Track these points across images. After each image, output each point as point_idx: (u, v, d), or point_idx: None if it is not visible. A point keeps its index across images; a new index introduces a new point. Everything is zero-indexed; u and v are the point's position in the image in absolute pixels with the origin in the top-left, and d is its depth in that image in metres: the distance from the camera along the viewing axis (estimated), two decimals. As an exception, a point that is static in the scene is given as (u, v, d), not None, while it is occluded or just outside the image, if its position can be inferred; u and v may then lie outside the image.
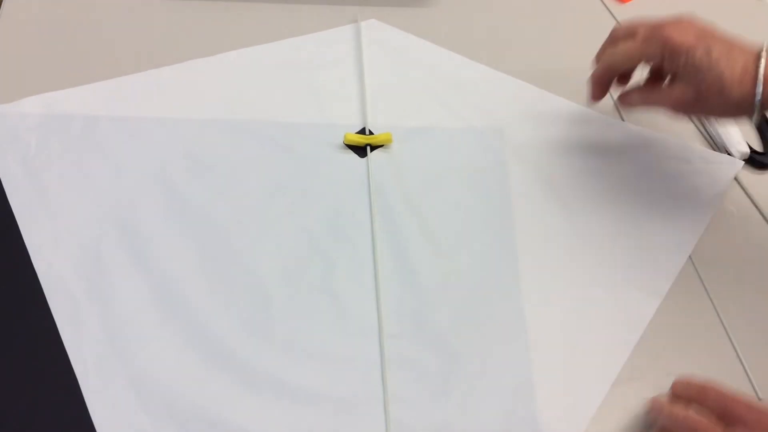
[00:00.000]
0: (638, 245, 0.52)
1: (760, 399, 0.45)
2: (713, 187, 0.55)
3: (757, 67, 0.44)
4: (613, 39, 0.51)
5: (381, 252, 0.50)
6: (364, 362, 0.45)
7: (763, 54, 0.44)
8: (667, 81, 0.50)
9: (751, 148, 0.57)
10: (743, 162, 0.56)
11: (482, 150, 0.56)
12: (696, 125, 0.60)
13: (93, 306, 0.47)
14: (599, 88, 0.51)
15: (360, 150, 0.56)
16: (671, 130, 0.58)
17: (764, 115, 0.46)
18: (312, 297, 0.48)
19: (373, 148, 0.56)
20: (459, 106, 0.59)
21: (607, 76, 0.51)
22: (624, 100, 0.51)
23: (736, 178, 0.56)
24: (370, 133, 0.57)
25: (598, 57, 0.52)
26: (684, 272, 0.51)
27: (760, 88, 0.44)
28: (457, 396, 0.44)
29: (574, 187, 0.55)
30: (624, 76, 0.52)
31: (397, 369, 0.45)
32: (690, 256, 0.51)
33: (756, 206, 0.55)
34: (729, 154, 0.57)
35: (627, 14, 0.68)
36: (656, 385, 0.45)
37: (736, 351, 0.47)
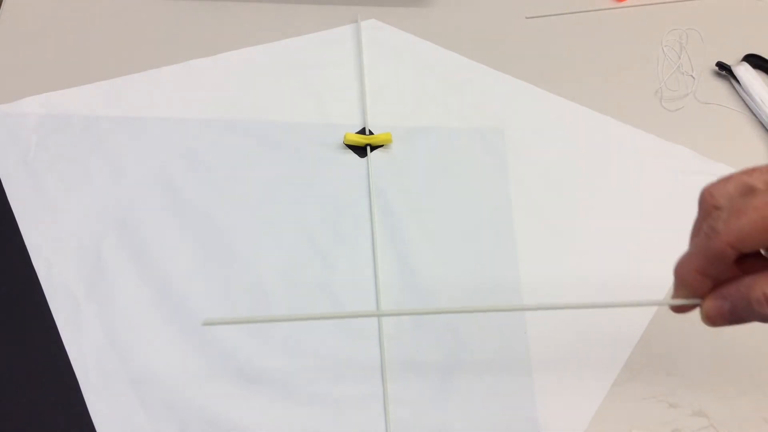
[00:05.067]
0: (638, 245, 0.52)
1: None
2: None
3: None
4: (714, 206, 0.31)
5: (381, 252, 0.50)
6: (364, 362, 0.45)
7: None
8: None
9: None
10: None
11: (482, 150, 0.56)
12: (757, 115, 0.60)
13: (93, 306, 0.47)
14: (701, 281, 0.30)
15: (360, 150, 0.56)
16: (671, 134, 0.59)
17: None
18: (312, 297, 0.48)
19: (373, 148, 0.56)
20: (459, 106, 0.59)
21: (725, 261, 0.29)
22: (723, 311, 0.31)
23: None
24: (370, 133, 0.57)
25: (701, 235, 0.30)
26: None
27: None
28: (457, 396, 0.44)
29: (575, 188, 0.55)
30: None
31: (397, 369, 0.45)
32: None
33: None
34: None
35: (624, 14, 0.68)
36: (656, 385, 0.45)
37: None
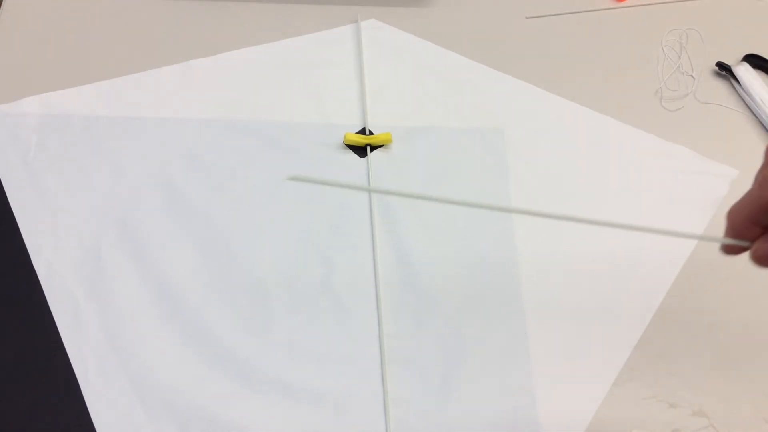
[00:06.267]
0: (638, 245, 0.52)
1: None
2: (712, 192, 0.55)
3: None
4: None
5: (381, 252, 0.50)
6: (364, 362, 0.45)
7: None
8: None
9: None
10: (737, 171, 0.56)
11: (482, 150, 0.56)
12: (757, 115, 0.60)
13: (93, 306, 0.47)
14: (747, 225, 0.31)
15: (360, 150, 0.56)
16: (671, 134, 0.59)
17: None
18: (312, 297, 0.48)
19: (373, 148, 0.56)
20: (459, 106, 0.59)
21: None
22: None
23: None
24: (370, 133, 0.57)
25: (755, 184, 0.31)
26: (684, 272, 0.51)
27: None
28: (457, 396, 0.44)
29: (575, 188, 0.55)
30: None
31: (397, 369, 0.45)
32: (690, 256, 0.51)
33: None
34: None
35: (624, 14, 0.68)
36: (656, 385, 0.45)
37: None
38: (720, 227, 0.54)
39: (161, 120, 0.57)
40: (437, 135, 0.57)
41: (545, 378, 0.45)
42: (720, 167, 0.56)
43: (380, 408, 0.44)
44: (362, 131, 0.57)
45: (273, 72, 0.61)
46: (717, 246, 0.53)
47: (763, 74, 0.62)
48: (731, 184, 0.55)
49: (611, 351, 0.47)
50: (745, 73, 0.61)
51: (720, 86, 0.62)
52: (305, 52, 0.63)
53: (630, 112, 0.59)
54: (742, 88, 0.61)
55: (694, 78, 0.62)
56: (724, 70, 0.62)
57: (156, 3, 0.66)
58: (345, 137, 0.56)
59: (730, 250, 0.33)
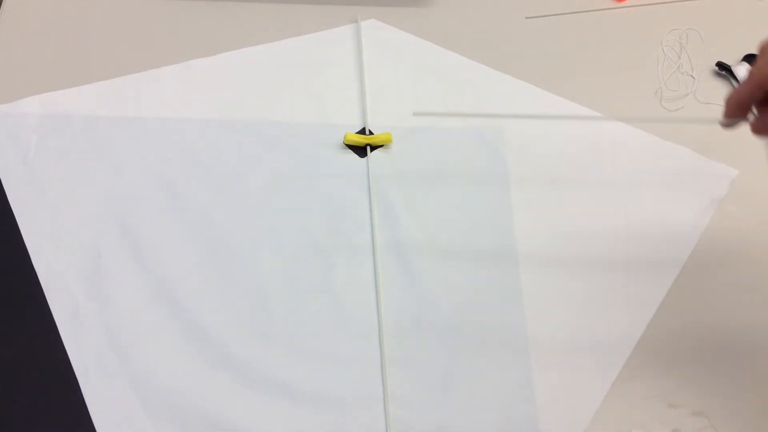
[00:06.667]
0: (638, 245, 0.52)
1: None
2: (712, 190, 0.55)
3: None
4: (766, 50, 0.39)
5: (381, 252, 0.50)
6: (364, 362, 0.45)
7: None
8: None
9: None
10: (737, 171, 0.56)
11: (482, 150, 0.56)
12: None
13: (93, 306, 0.47)
14: (738, 107, 0.41)
15: (360, 150, 0.56)
16: (671, 134, 0.59)
17: None
18: (312, 297, 0.48)
19: (373, 148, 0.56)
20: (459, 106, 0.59)
21: (754, 96, 0.40)
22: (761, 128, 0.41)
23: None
24: (370, 133, 0.57)
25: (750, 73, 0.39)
26: (684, 271, 0.51)
27: None
28: (457, 396, 0.44)
29: (574, 187, 0.55)
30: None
31: (397, 369, 0.45)
32: (690, 255, 0.51)
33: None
34: None
35: (624, 14, 0.68)
36: (656, 385, 0.45)
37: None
38: (721, 227, 0.54)
39: (161, 120, 0.57)
40: (437, 135, 0.57)
41: (545, 378, 0.45)
42: (720, 167, 0.56)
43: (380, 408, 0.44)
44: (362, 131, 0.57)
45: (273, 72, 0.61)
46: (715, 249, 0.53)
47: None
48: (731, 184, 0.55)
49: (611, 351, 0.47)
50: (745, 73, 0.61)
51: (720, 86, 0.62)
52: (305, 52, 0.63)
53: (630, 112, 0.59)
54: None
55: (694, 78, 0.62)
56: (724, 70, 0.62)
57: (156, 3, 0.66)
58: (345, 137, 0.56)
59: (727, 125, 0.41)
